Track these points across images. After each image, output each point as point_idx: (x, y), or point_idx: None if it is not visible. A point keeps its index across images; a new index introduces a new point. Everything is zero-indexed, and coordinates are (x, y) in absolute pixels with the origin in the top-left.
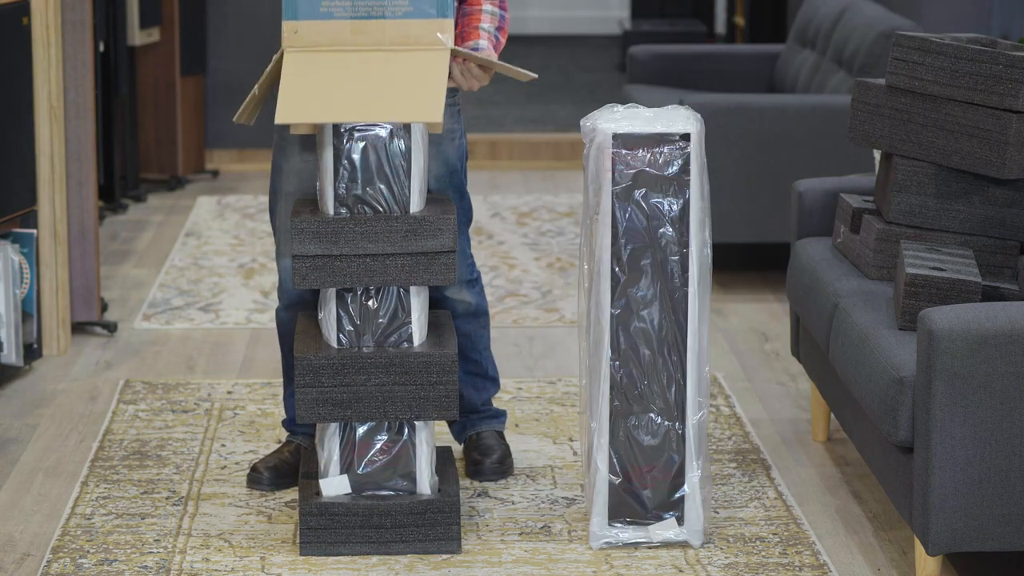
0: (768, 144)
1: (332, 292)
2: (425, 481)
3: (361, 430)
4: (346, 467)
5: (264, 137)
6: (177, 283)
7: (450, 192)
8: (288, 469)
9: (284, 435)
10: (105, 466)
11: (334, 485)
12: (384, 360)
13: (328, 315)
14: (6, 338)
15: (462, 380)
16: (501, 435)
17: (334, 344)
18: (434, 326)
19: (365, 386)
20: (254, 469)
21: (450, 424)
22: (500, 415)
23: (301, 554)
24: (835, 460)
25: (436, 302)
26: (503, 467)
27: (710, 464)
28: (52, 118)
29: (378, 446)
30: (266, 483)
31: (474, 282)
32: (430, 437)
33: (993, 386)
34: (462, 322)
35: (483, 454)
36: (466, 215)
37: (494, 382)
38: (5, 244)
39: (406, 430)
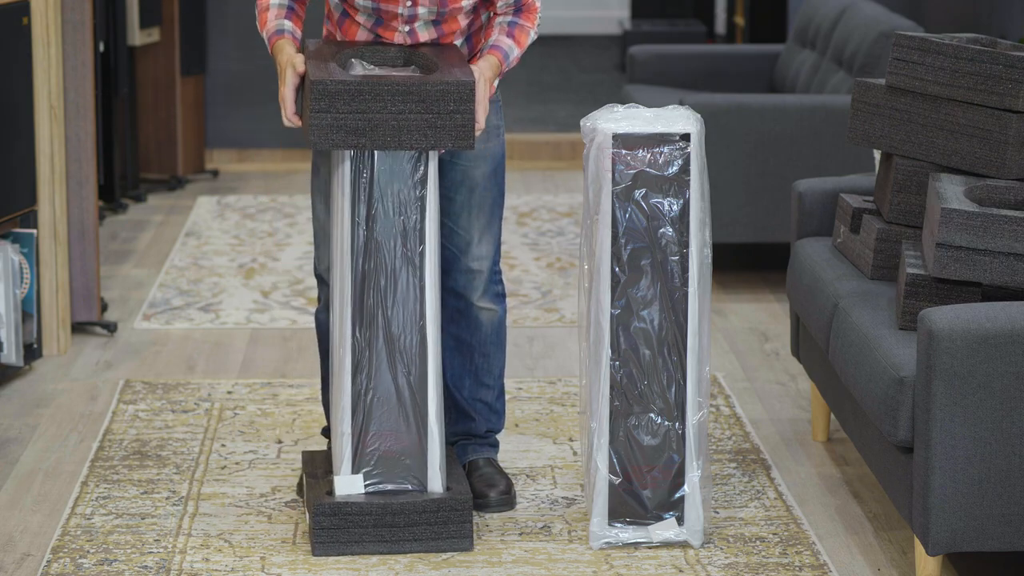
0: (768, 144)
1: None
2: (437, 479)
3: (373, 428)
4: (358, 466)
5: (264, 137)
6: (177, 283)
7: (492, 187)
8: None
9: (284, 435)
10: (105, 466)
11: (347, 484)
12: (401, 88)
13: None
14: (6, 338)
15: (472, 406)
16: (497, 463)
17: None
18: (447, 57)
19: (381, 114)
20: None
21: (450, 445)
22: (496, 444)
23: (315, 555)
24: (835, 460)
25: (460, 311)
26: (510, 497)
27: (710, 464)
28: (52, 118)
29: (389, 444)
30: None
31: (502, 296)
32: (441, 435)
33: (993, 386)
34: (483, 338)
35: (488, 485)
36: (501, 217)
37: (500, 416)
38: (5, 244)
39: (418, 428)
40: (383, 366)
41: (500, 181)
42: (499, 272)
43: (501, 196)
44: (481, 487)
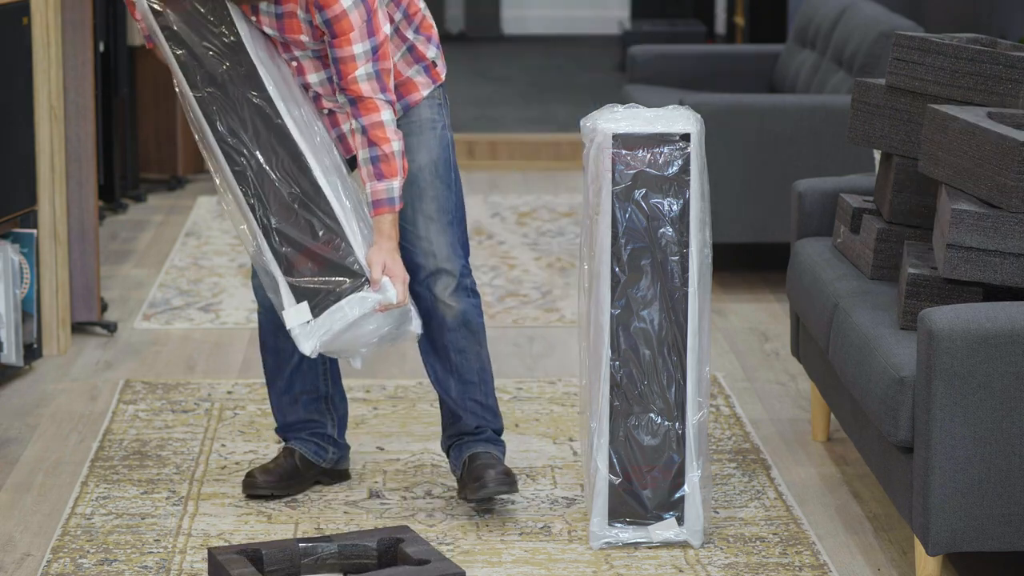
0: (768, 144)
1: None
2: (362, 255)
3: (288, 244)
4: (296, 295)
5: None
6: (177, 283)
7: (436, 183)
8: (288, 474)
9: None
10: (105, 466)
11: (295, 315)
12: None
13: None
14: (6, 338)
15: (463, 405)
16: (497, 455)
17: None
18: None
19: None
20: (249, 475)
21: (447, 452)
22: (501, 443)
23: None
24: (835, 460)
25: (428, 312)
26: (510, 479)
27: (710, 464)
28: (52, 118)
29: (309, 249)
30: (262, 486)
31: (469, 291)
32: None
33: (993, 386)
34: (453, 335)
35: (486, 466)
36: (457, 210)
37: (494, 414)
38: (5, 244)
39: (326, 227)
40: (271, 198)
41: (444, 176)
42: (467, 268)
43: (449, 191)
44: (479, 471)
